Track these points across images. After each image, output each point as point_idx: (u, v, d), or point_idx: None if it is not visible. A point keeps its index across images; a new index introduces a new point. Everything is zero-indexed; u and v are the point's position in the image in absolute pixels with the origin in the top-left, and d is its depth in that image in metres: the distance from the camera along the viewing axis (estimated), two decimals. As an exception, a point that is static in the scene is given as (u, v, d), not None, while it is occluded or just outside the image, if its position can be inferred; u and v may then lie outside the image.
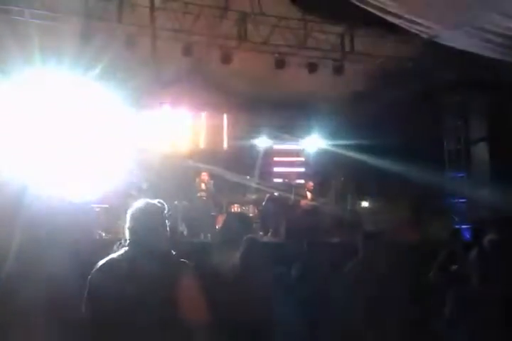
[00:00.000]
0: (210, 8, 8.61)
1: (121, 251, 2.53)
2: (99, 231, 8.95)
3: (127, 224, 2.54)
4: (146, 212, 2.57)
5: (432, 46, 9.43)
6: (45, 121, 9.31)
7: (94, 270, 2.44)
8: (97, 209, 9.17)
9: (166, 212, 2.60)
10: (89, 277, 2.41)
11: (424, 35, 8.67)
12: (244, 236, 6.10)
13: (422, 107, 11.08)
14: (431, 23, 7.60)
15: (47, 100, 9.32)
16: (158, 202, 2.62)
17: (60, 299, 3.80)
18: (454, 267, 4.71)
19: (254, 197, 10.46)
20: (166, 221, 2.58)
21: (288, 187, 11.05)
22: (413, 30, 8.50)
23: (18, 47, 7.61)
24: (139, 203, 2.61)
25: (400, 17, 7.97)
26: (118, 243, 2.51)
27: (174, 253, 2.53)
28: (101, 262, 2.49)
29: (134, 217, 2.56)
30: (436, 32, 8.24)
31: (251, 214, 10.30)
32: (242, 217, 9.65)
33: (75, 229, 7.77)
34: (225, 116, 12.44)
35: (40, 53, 7.79)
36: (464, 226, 10.65)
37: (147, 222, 2.52)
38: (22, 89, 8.99)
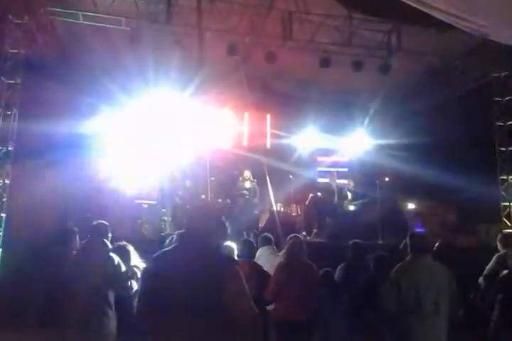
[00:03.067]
0: (255, 8, 8.64)
1: (173, 245, 2.61)
2: (146, 226, 9.22)
3: (183, 221, 2.62)
4: (198, 210, 2.64)
5: (482, 43, 9.17)
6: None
7: (147, 264, 2.53)
8: (145, 206, 9.40)
9: (216, 210, 2.65)
10: (143, 271, 2.50)
11: (475, 33, 8.42)
12: (286, 235, 6.15)
13: (471, 106, 10.76)
14: (482, 21, 7.37)
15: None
16: (209, 201, 2.69)
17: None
18: (504, 272, 4.58)
19: (297, 196, 10.43)
20: (216, 218, 2.63)
21: (331, 187, 10.97)
22: (463, 28, 8.28)
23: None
24: (193, 201, 2.69)
25: (448, 14, 7.78)
26: (170, 238, 2.59)
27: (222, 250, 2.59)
28: (154, 256, 2.58)
29: (187, 214, 2.64)
30: (487, 30, 7.99)
31: (294, 214, 10.30)
32: (285, 216, 9.77)
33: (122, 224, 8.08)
34: (268, 116, 12.46)
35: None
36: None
37: (200, 220, 2.58)
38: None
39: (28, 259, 3.99)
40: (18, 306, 3.76)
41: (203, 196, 9.11)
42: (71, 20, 8.19)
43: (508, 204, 10.52)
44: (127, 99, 10.12)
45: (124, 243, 4.43)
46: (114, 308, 3.98)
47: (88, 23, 8.18)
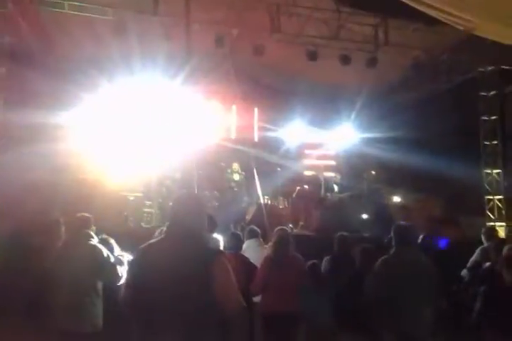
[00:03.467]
0: (243, 0, 8.60)
1: (160, 237, 2.61)
2: (131, 218, 9.19)
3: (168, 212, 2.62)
4: (183, 201, 2.64)
5: (469, 38, 9.24)
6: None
7: (134, 255, 2.52)
8: (131, 198, 9.36)
9: (203, 201, 2.65)
10: (130, 261, 2.50)
11: (461, 28, 8.48)
12: (273, 228, 6.17)
13: (456, 100, 10.86)
14: (468, 16, 7.43)
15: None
16: (195, 192, 2.69)
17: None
18: (487, 264, 4.65)
19: (284, 189, 10.47)
20: (203, 210, 2.63)
21: (318, 180, 11.02)
22: (449, 23, 8.33)
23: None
24: (178, 193, 2.68)
25: (436, 9, 7.82)
26: (160, 230, 2.60)
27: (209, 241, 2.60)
28: (140, 247, 2.58)
29: (173, 206, 2.63)
30: (473, 25, 8.06)
31: (281, 207, 10.34)
32: (272, 209, 9.80)
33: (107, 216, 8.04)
34: (255, 109, 12.45)
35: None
36: (499, 224, 10.44)
37: (184, 210, 2.57)
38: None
39: (12, 250, 3.95)
40: (4, 297, 3.73)
41: (188, 188, 9.08)
42: (56, 9, 8.07)
43: (491, 197, 10.68)
44: (113, 89, 10.03)
45: (105, 236, 4.42)
46: (101, 299, 3.99)
47: (73, 12, 8.07)
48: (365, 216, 10.16)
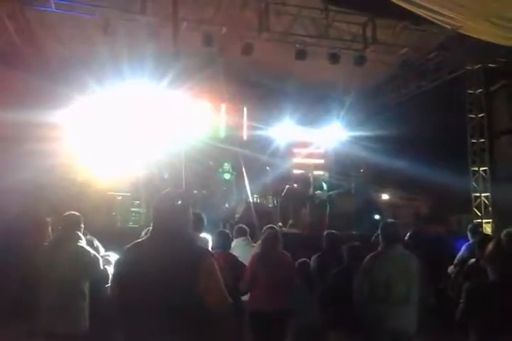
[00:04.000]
0: (231, -2, 8.59)
1: (145, 236, 2.61)
2: (119, 218, 9.17)
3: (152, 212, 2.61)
4: (167, 200, 2.63)
5: (456, 37, 9.32)
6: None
7: (119, 255, 2.52)
8: (119, 198, 9.33)
9: (187, 199, 2.65)
10: (115, 261, 2.50)
11: (448, 26, 8.56)
12: (262, 226, 6.19)
13: (443, 98, 10.95)
14: (454, 15, 7.50)
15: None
16: (181, 191, 2.69)
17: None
18: (472, 261, 4.71)
19: (273, 187, 10.49)
20: (189, 208, 2.63)
21: (307, 178, 11.06)
22: (436, 21, 8.40)
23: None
24: (162, 192, 2.68)
25: (423, 8, 7.88)
26: (146, 229, 2.60)
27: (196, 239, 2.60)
28: (126, 247, 2.57)
29: (156, 205, 2.62)
30: (459, 23, 8.14)
31: (270, 205, 10.36)
32: (261, 207, 9.82)
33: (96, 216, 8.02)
34: (244, 108, 12.47)
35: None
36: (485, 221, 10.55)
37: (168, 209, 2.58)
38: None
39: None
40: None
41: (175, 187, 9.06)
42: (43, 8, 8.00)
43: (478, 195, 10.78)
44: (101, 89, 9.99)
45: (89, 237, 4.39)
46: (87, 300, 3.97)
47: (61, 11, 8.01)
48: (353, 214, 10.22)
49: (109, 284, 3.38)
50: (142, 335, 2.42)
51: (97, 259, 4.03)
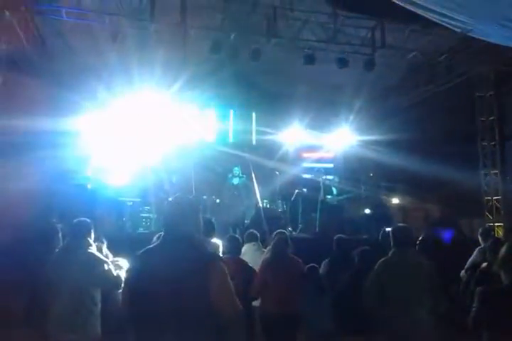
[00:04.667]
0: (239, 4, 8.63)
1: (156, 242, 2.62)
2: (130, 223, 9.21)
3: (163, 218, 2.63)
4: (177, 206, 2.65)
5: (465, 40, 9.28)
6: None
7: (132, 260, 2.53)
8: (129, 203, 9.37)
9: (197, 205, 2.66)
10: (128, 268, 2.51)
11: (458, 30, 8.53)
12: (272, 231, 6.18)
13: (454, 102, 10.89)
14: (464, 18, 7.47)
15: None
16: (190, 196, 2.70)
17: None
18: (484, 265, 4.66)
19: (283, 192, 10.47)
20: (199, 213, 2.64)
21: (316, 183, 11.02)
22: (446, 25, 8.37)
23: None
24: (172, 198, 2.70)
25: (432, 11, 7.86)
26: (158, 235, 2.62)
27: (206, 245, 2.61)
28: (138, 253, 2.59)
29: (166, 210, 2.64)
30: (469, 26, 8.10)
31: (280, 210, 10.34)
32: (271, 212, 9.81)
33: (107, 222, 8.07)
34: (253, 113, 12.51)
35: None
36: (497, 224, 10.45)
37: (178, 215, 2.59)
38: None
39: (9, 258, 3.93)
40: (2, 305, 3.73)
41: (184, 193, 9.07)
42: (53, 17, 8.10)
43: (489, 198, 10.69)
44: (111, 96, 10.08)
45: (98, 243, 4.37)
46: (99, 306, 3.97)
47: (71, 19, 8.10)
48: (363, 218, 10.18)
49: (121, 290, 3.39)
50: (153, 340, 2.43)
51: (109, 265, 4.03)
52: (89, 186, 9.01)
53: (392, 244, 4.34)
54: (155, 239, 3.84)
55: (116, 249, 4.61)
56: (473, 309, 3.01)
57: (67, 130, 9.41)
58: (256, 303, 5.02)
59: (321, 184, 10.72)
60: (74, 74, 9.62)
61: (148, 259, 2.54)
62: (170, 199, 2.70)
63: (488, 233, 6.14)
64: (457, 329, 4.59)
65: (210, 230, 4.49)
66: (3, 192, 7.10)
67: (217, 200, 10.10)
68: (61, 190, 8.01)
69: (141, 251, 2.60)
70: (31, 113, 7.83)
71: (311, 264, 5.29)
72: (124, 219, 9.23)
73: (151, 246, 2.65)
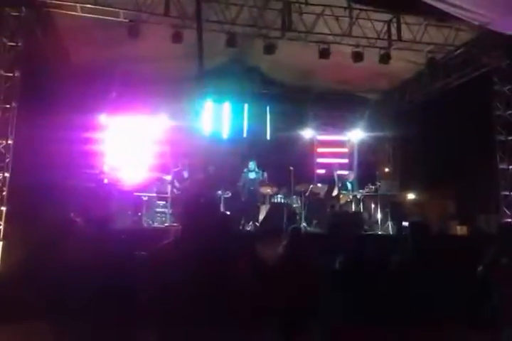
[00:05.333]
0: (254, -2, 8.59)
1: (174, 237, 2.64)
2: (145, 218, 9.28)
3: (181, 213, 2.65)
4: (193, 201, 2.66)
5: (483, 33, 9.14)
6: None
7: (150, 255, 2.55)
8: (145, 198, 9.44)
9: (213, 200, 2.67)
10: (146, 262, 2.53)
11: (476, 23, 8.40)
12: (287, 226, 6.17)
13: (470, 96, 10.73)
14: (482, 10, 7.35)
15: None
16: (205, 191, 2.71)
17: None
18: (504, 261, 4.61)
19: (297, 187, 10.46)
20: (215, 208, 2.66)
21: (331, 178, 10.98)
22: (463, 18, 8.25)
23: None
24: (189, 193, 2.71)
25: (449, 4, 7.75)
26: (175, 230, 2.64)
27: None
28: (155, 248, 2.61)
29: (182, 205, 2.66)
30: (487, 19, 7.98)
31: (295, 205, 10.32)
32: (285, 207, 9.80)
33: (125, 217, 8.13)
34: (267, 107, 12.49)
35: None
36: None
37: (194, 210, 2.59)
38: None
39: (33, 252, 3.98)
40: (26, 301, 3.76)
41: (199, 188, 9.06)
42: (69, 12, 8.14)
43: (508, 193, 10.53)
44: (127, 91, 10.14)
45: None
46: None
47: (86, 15, 8.13)
48: (377, 214, 10.13)
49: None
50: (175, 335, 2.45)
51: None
52: (105, 181, 9.09)
53: (409, 239, 4.31)
54: (171, 234, 3.86)
55: (132, 244, 4.64)
56: (492, 305, 2.98)
57: (85, 126, 9.50)
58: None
59: (336, 179, 10.66)
60: (92, 71, 9.69)
61: (166, 254, 2.55)
62: (188, 195, 2.71)
63: (506, 229, 6.04)
64: (473, 324, 4.56)
65: (226, 225, 4.48)
66: (24, 186, 7.20)
67: (232, 195, 10.09)
68: (78, 185, 8.10)
69: (159, 246, 2.61)
70: (48, 109, 7.91)
71: (326, 259, 5.26)
72: (140, 213, 9.29)
73: (168, 240, 2.65)
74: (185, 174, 9.71)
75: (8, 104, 7.73)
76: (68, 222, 4.60)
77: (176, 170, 9.52)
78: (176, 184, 9.45)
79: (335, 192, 10.53)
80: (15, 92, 7.79)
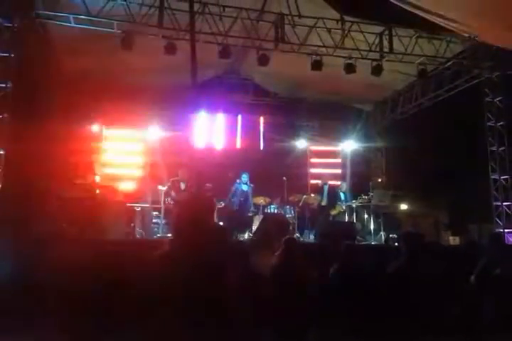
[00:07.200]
0: (247, 11, 8.66)
1: (167, 248, 2.62)
2: (138, 229, 9.21)
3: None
4: (187, 211, 2.65)
5: (473, 45, 9.26)
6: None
7: (144, 267, 2.53)
8: (138, 209, 9.38)
9: (207, 210, 2.67)
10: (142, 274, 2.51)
11: (466, 34, 8.51)
12: (280, 237, 6.15)
13: (462, 107, 10.84)
14: (471, 23, 7.45)
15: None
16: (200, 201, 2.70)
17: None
18: (497, 271, 4.61)
19: (291, 198, 10.44)
20: (209, 219, 2.65)
21: (323, 188, 10.97)
22: (453, 29, 8.37)
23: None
24: (181, 204, 2.70)
25: (440, 16, 7.86)
26: (168, 240, 2.62)
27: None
28: (149, 259, 2.59)
29: (176, 216, 2.65)
30: (476, 31, 8.08)
31: (288, 216, 10.30)
32: (278, 218, 9.77)
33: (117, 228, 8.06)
34: (261, 118, 12.54)
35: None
36: (507, 230, 10.34)
37: (188, 220, 2.59)
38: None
39: (22, 262, 3.96)
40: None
41: (192, 199, 8.94)
42: (62, 23, 8.15)
43: (499, 204, 10.59)
44: (120, 101, 10.13)
45: None
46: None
47: (80, 26, 8.15)
48: (370, 224, 10.14)
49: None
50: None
51: None
52: (97, 191, 9.02)
53: (403, 250, 4.31)
54: (165, 244, 3.84)
55: (125, 255, 4.61)
56: (486, 314, 2.98)
57: (78, 136, 9.46)
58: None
59: (325, 190, 10.59)
60: (85, 80, 9.69)
61: (160, 266, 2.54)
62: (180, 205, 2.71)
63: (498, 239, 6.05)
64: (469, 333, 4.55)
65: (223, 235, 4.47)
66: (17, 197, 7.13)
67: (222, 205, 10.07)
68: (70, 195, 8.03)
69: (153, 257, 2.60)
70: (40, 119, 7.88)
71: (320, 270, 5.24)
72: (132, 224, 9.22)
73: (161, 251, 2.64)
74: (182, 185, 9.68)
75: (0, 115, 7.69)
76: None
77: (174, 179, 9.44)
78: (173, 194, 9.38)
79: (323, 203, 10.45)
80: (7, 103, 7.76)
